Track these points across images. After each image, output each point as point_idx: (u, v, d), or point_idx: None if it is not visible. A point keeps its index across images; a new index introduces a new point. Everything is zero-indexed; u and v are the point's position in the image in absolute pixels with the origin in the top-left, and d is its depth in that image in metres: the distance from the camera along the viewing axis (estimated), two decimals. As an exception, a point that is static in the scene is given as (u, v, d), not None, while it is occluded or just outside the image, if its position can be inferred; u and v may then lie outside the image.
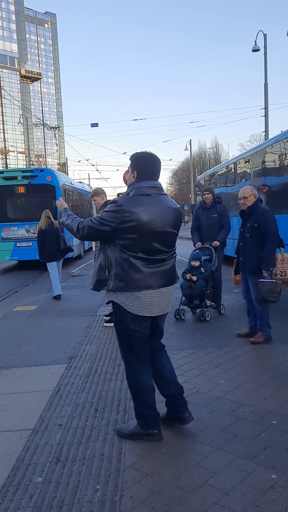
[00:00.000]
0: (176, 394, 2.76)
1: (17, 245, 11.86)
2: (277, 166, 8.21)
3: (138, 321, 2.55)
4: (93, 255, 9.49)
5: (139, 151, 2.65)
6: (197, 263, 5.84)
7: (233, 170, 11.40)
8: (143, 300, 2.51)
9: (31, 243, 11.49)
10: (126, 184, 2.85)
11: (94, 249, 9.17)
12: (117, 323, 2.64)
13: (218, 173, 13.27)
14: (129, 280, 2.47)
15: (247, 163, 10.09)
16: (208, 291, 5.77)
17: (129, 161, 2.62)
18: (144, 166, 2.55)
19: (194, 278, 5.77)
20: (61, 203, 2.89)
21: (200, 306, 5.73)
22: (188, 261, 6.10)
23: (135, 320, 2.55)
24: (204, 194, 6.29)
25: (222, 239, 6.10)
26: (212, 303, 5.97)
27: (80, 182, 20.59)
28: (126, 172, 2.81)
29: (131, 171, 2.59)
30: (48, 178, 12.21)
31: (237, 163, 10.98)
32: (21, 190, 12.01)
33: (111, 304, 2.67)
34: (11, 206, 12.15)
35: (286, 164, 7.78)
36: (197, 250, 6.14)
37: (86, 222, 2.54)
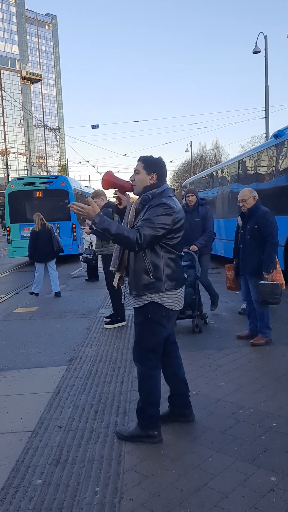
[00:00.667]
0: (186, 393, 2.90)
1: None
2: (246, 175, 10.29)
3: (169, 317, 2.67)
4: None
5: (145, 154, 2.72)
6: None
7: (214, 176, 13.46)
8: (180, 295, 2.67)
9: None
10: (117, 186, 2.71)
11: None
12: (147, 323, 2.62)
13: (203, 178, 15.16)
14: (177, 279, 2.61)
15: (225, 171, 12.24)
16: (196, 298, 5.26)
17: (141, 164, 2.64)
18: (162, 169, 2.68)
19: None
20: (93, 207, 2.48)
21: (192, 316, 5.22)
22: None
23: (168, 317, 2.65)
24: (188, 196, 5.94)
25: (200, 244, 5.71)
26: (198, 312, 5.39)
27: (86, 187, 21.97)
28: (137, 173, 2.66)
29: (148, 173, 2.62)
30: (62, 184, 13.88)
31: (218, 171, 13.07)
32: (39, 194, 13.62)
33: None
34: (29, 209, 13.49)
35: (252, 174, 9.85)
36: None
37: (142, 231, 2.44)
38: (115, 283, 2.85)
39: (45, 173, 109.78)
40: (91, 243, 9.46)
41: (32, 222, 13.94)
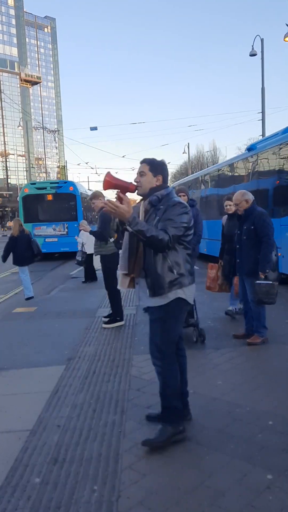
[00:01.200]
0: (187, 392, 2.93)
1: (46, 240, 14.64)
2: (225, 181, 11.94)
3: (186, 310, 2.78)
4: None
5: (143, 156, 2.83)
6: None
7: (198, 181, 15.04)
8: (194, 289, 2.75)
9: (56, 239, 14.92)
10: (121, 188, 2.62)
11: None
12: (168, 318, 2.65)
13: (188, 182, 16.66)
14: (193, 273, 2.72)
15: (207, 177, 13.91)
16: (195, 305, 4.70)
17: (146, 165, 2.69)
18: (166, 172, 2.76)
19: None
20: (128, 206, 2.40)
21: (194, 324, 4.72)
22: None
23: (186, 310, 2.76)
24: (180, 196, 5.83)
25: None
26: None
27: (90, 190, 23.45)
28: (142, 175, 2.69)
29: (154, 175, 2.68)
30: (70, 188, 15.42)
31: (201, 176, 14.87)
32: (49, 197, 15.13)
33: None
34: (41, 210, 15.34)
35: (229, 180, 11.44)
36: None
37: (170, 232, 2.47)
38: (123, 286, 2.77)
39: (44, 175, 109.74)
40: (83, 245, 9.49)
41: (44, 222, 15.38)
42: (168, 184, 2.79)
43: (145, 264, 2.62)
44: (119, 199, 2.56)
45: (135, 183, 2.68)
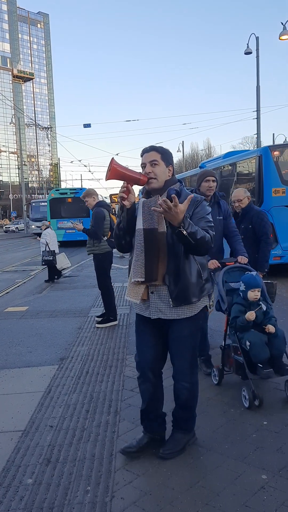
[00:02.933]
0: (165, 413, 2.67)
1: (66, 231, 19.63)
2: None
3: None
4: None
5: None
6: (258, 294, 3.29)
7: None
8: None
9: (74, 230, 17.65)
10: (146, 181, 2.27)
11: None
12: (197, 332, 2.43)
13: None
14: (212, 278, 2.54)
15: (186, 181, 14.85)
16: None
17: (157, 154, 2.31)
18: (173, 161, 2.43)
19: (272, 328, 3.20)
20: (183, 207, 2.02)
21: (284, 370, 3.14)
22: (222, 286, 3.47)
23: None
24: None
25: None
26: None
27: (101, 196, 24.97)
28: (154, 165, 2.28)
29: (167, 165, 2.33)
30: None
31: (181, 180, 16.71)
32: (69, 200, 20.16)
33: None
34: (63, 209, 20.22)
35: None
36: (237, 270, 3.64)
37: (210, 232, 2.22)
38: (135, 297, 2.35)
39: (36, 172, 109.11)
40: (47, 245, 9.54)
41: (65, 218, 19.29)
42: None
43: (169, 269, 2.26)
44: (127, 192, 2.19)
45: (147, 175, 2.27)
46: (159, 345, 2.46)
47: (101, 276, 5.56)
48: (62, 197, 20.60)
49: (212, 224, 2.27)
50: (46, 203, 23.49)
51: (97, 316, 5.74)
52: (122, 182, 2.20)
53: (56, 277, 9.81)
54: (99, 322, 5.54)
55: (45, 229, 9.94)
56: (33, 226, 28.85)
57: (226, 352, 3.45)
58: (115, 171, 2.12)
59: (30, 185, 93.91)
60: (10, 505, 2.12)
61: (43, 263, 9.70)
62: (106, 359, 4.22)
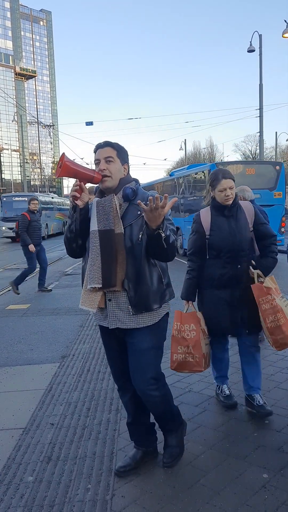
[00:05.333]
0: (153, 423, 2.55)
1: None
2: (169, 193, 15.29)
3: None
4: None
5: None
6: None
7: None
8: None
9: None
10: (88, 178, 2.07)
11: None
12: (163, 339, 2.29)
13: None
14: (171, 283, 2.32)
15: (157, 186, 17.70)
16: None
17: (112, 150, 2.15)
18: (128, 159, 2.27)
19: None
20: (167, 210, 1.89)
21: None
22: None
23: None
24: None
25: None
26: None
27: None
28: (109, 162, 2.12)
29: (122, 163, 2.18)
30: None
31: (153, 186, 18.27)
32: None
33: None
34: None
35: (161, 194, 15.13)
36: None
37: (174, 235, 2.08)
38: (91, 306, 2.16)
39: (38, 170, 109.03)
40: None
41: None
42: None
43: (128, 273, 2.09)
44: (79, 191, 2.02)
45: (101, 172, 2.10)
46: (126, 353, 2.28)
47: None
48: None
49: (173, 227, 2.09)
50: (22, 198, 21.61)
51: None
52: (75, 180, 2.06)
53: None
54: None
55: None
56: (3, 228, 22.36)
57: None
58: (66, 168, 1.96)
59: (32, 183, 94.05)
60: (10, 502, 2.12)
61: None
62: (108, 357, 4.22)
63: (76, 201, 2.08)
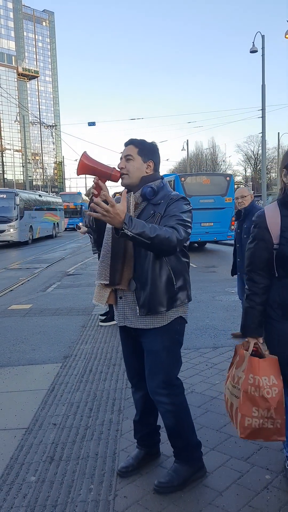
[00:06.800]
0: (159, 426, 2.49)
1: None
2: None
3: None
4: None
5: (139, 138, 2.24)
6: None
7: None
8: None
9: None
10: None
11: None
12: (173, 345, 2.17)
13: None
14: (189, 287, 2.19)
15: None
16: None
17: (134, 148, 2.14)
18: (158, 157, 2.22)
19: None
20: (121, 207, 1.80)
21: None
22: None
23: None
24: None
25: None
26: None
27: None
28: (129, 160, 2.11)
29: (144, 160, 2.13)
30: None
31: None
32: None
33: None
34: None
35: None
36: None
37: (180, 231, 1.95)
38: (101, 301, 2.18)
39: (40, 170, 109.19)
40: None
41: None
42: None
43: (136, 273, 2.06)
44: (98, 188, 1.93)
45: (119, 170, 2.09)
46: (142, 353, 2.24)
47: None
48: None
49: (185, 222, 1.99)
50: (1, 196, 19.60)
51: (101, 315, 5.75)
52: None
53: None
54: (102, 321, 5.55)
55: None
56: None
57: None
58: (83, 166, 1.95)
59: (34, 183, 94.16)
60: (13, 502, 2.13)
61: None
62: (110, 357, 4.22)
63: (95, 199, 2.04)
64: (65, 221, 32.50)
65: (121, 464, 2.37)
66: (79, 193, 40.24)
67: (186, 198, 2.11)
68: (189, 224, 2.02)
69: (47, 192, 54.84)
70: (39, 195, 25.45)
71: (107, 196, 1.79)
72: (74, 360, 4.21)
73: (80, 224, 5.65)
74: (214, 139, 78.50)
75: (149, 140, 2.21)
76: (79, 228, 5.68)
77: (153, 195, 2.10)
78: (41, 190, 67.04)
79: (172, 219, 1.98)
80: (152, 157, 2.16)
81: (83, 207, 36.00)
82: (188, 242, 2.11)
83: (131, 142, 2.16)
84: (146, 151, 2.15)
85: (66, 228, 33.35)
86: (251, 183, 48.83)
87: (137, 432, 2.44)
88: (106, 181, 2.02)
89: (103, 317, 5.60)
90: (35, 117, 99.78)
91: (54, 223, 26.42)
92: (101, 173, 1.98)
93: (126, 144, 2.16)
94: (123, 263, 2.07)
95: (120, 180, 2.08)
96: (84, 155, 1.98)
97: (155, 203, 2.08)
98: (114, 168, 2.06)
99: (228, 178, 15.17)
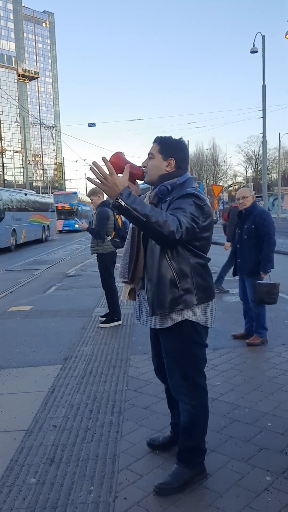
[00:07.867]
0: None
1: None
2: None
3: (206, 333, 2.20)
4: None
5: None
6: None
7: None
8: (214, 309, 2.18)
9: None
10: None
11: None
12: (189, 341, 2.11)
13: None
14: (208, 289, 2.12)
15: None
16: None
17: (156, 146, 2.14)
18: (182, 153, 2.15)
19: None
20: (124, 180, 1.84)
21: None
22: None
23: (205, 334, 2.19)
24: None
25: None
26: None
27: None
28: (150, 158, 2.14)
29: (164, 158, 2.11)
30: None
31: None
32: None
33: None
34: None
35: None
36: None
37: (182, 220, 1.89)
38: (124, 297, 2.30)
39: (40, 171, 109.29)
40: None
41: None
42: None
43: (146, 273, 2.09)
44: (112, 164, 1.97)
45: (143, 168, 2.15)
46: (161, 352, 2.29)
47: (104, 276, 5.57)
48: None
49: (185, 214, 1.92)
50: None
51: (101, 316, 5.74)
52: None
53: None
54: (103, 322, 5.54)
55: None
56: None
57: None
58: (113, 165, 1.97)
59: (34, 184, 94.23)
60: (13, 504, 2.12)
61: None
62: (110, 359, 4.22)
63: None
64: (59, 222, 31.11)
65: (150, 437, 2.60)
66: (75, 193, 38.44)
67: (198, 196, 2.00)
68: (196, 219, 1.95)
69: (47, 193, 54.23)
70: (25, 194, 22.80)
71: (111, 168, 1.80)
72: (74, 361, 4.21)
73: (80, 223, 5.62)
74: (215, 140, 78.72)
75: (152, 141, 2.18)
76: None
77: (166, 193, 2.08)
78: (42, 191, 66.78)
79: (177, 211, 1.93)
80: (174, 154, 2.12)
81: (79, 208, 35.37)
82: (202, 242, 2.07)
83: (155, 140, 2.17)
84: (168, 148, 2.12)
85: (61, 231, 32.49)
86: (252, 183, 48.83)
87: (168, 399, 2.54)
88: (135, 180, 2.17)
89: (104, 319, 5.60)
90: (35, 118, 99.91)
91: (43, 226, 23.99)
92: (129, 173, 2.01)
93: (153, 142, 2.18)
94: (135, 263, 2.14)
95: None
96: (116, 155, 2.11)
97: (166, 201, 2.07)
98: (140, 167, 2.17)
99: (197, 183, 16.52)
